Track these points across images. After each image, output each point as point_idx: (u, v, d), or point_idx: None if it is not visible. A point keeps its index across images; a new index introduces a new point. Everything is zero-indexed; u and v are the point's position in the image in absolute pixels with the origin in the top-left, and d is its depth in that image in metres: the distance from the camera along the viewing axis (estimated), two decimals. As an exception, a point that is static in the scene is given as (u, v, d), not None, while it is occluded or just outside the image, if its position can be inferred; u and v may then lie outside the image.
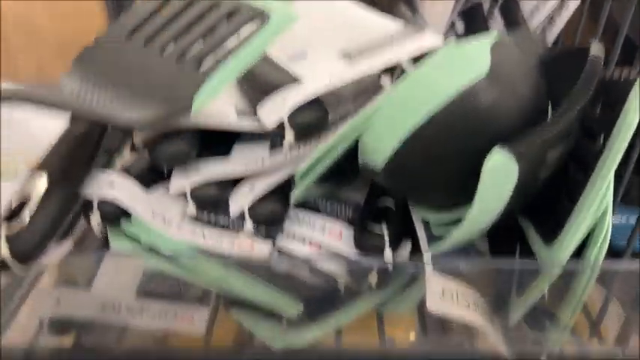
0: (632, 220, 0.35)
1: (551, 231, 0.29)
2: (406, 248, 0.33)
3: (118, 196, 0.32)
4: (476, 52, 0.27)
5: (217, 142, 0.34)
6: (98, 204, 0.32)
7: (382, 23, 0.37)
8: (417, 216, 0.34)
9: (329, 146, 0.29)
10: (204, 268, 0.33)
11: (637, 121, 0.25)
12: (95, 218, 0.32)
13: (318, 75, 0.32)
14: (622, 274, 0.31)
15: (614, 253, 0.34)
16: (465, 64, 0.26)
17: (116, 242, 0.34)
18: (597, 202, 0.27)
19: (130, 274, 0.34)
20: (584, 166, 0.28)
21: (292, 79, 0.32)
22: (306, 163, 0.29)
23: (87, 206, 0.33)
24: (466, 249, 0.34)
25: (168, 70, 0.29)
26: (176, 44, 0.30)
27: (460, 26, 0.39)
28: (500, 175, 0.25)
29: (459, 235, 0.28)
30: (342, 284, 0.33)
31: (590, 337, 0.30)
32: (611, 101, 0.27)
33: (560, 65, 0.31)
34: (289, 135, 0.30)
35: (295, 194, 0.31)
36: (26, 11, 0.43)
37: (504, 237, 0.35)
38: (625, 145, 0.26)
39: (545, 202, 0.30)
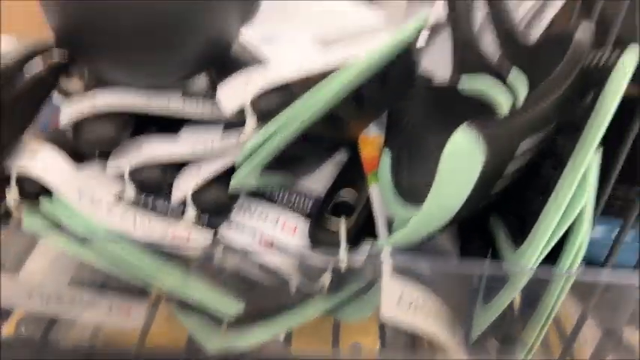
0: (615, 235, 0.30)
1: (521, 233, 0.26)
2: (366, 248, 0.30)
3: (38, 170, 0.29)
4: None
5: (167, 119, 0.31)
6: (17, 179, 0.29)
7: (362, 13, 0.34)
8: (381, 212, 0.31)
9: (270, 131, 0.26)
10: (123, 255, 0.30)
11: (614, 107, 0.22)
12: (12, 194, 0.29)
13: (289, 59, 0.30)
14: (601, 287, 0.27)
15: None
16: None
17: (29, 221, 0.30)
18: (569, 200, 0.23)
19: (65, 260, 0.32)
20: (559, 161, 0.25)
21: (259, 61, 0.29)
22: (247, 147, 0.26)
23: (3, 180, 0.29)
24: (433, 251, 0.31)
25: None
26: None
27: (441, 7, 0.36)
28: (463, 157, 0.22)
29: (413, 227, 0.25)
30: (292, 284, 0.30)
31: (561, 357, 0.26)
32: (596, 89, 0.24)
33: (546, 51, 0.28)
34: (251, 120, 0.28)
35: (236, 179, 0.28)
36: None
37: (476, 239, 0.31)
38: (599, 135, 0.22)
39: (516, 200, 0.27)
